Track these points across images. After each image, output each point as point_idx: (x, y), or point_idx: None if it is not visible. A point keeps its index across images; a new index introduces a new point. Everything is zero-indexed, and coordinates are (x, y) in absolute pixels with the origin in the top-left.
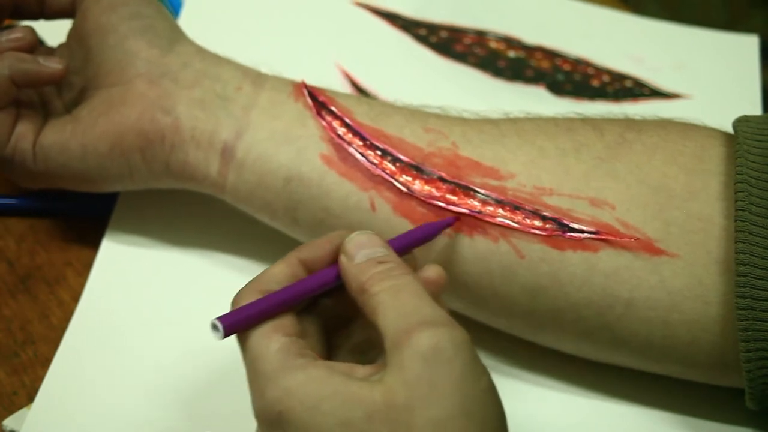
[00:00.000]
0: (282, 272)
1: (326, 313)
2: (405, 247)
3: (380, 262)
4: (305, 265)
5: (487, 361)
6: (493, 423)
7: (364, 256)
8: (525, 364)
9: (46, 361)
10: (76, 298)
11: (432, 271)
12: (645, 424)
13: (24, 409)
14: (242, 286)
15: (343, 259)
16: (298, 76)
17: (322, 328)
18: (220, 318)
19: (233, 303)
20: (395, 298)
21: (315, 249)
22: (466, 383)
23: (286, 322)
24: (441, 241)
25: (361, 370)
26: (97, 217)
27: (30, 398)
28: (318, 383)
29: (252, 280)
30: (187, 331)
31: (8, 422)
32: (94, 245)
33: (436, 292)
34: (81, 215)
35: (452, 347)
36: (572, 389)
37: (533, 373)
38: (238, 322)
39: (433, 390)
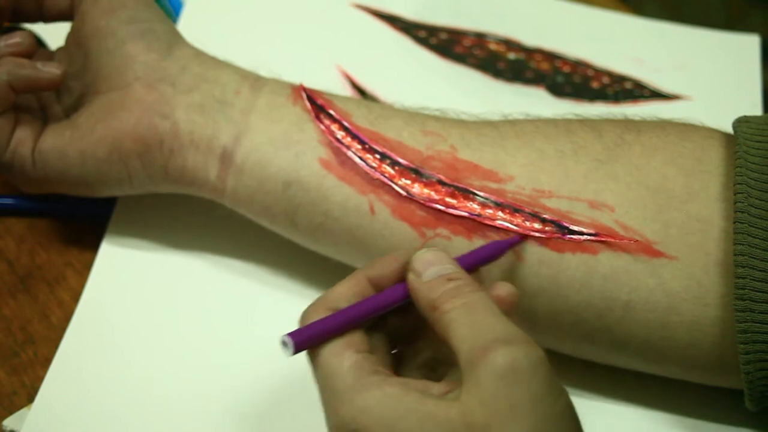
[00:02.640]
0: (350, 290)
1: (393, 330)
2: (471, 265)
3: (450, 279)
4: (372, 282)
5: None
6: (571, 425)
7: (433, 274)
8: None
9: (46, 361)
10: (76, 298)
11: (503, 289)
12: (644, 425)
13: (24, 409)
14: (309, 303)
15: (411, 276)
16: (298, 78)
17: (389, 344)
18: (290, 334)
19: (301, 320)
20: (468, 316)
21: (382, 267)
22: (543, 403)
23: (357, 338)
24: (440, 243)
25: (437, 387)
26: (96, 218)
27: (30, 398)
28: (394, 401)
29: (319, 297)
30: (186, 331)
31: (8, 422)
32: (94, 245)
33: (507, 310)
34: (81, 216)
35: (529, 365)
36: (571, 390)
37: None
38: (308, 339)
39: (511, 409)
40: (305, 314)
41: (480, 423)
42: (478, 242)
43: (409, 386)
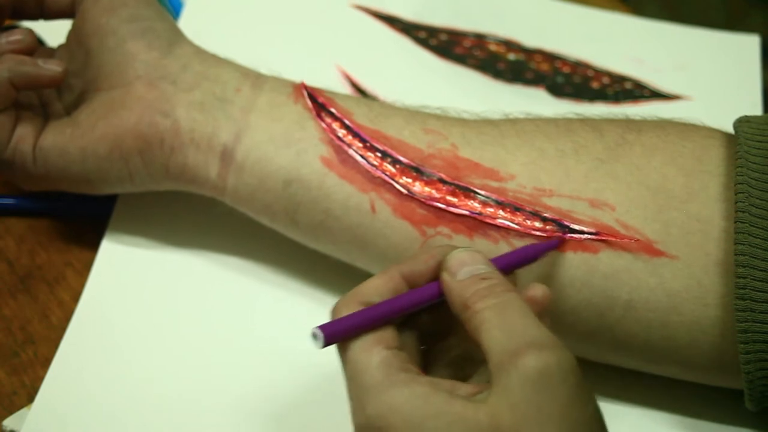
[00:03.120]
0: (383, 285)
1: (423, 327)
2: (507, 266)
3: (483, 279)
4: (406, 279)
5: None
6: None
7: (466, 273)
8: None
9: (46, 361)
10: (76, 298)
11: (537, 290)
12: (644, 425)
13: (24, 409)
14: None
15: (445, 275)
16: (298, 78)
17: (419, 341)
18: (320, 327)
19: (332, 313)
20: (500, 317)
21: (416, 264)
22: (573, 409)
23: (387, 335)
24: (441, 241)
25: (464, 388)
26: (96, 217)
27: (30, 398)
28: (422, 400)
29: (352, 291)
30: (186, 331)
31: (8, 422)
32: (94, 245)
33: (540, 312)
34: (81, 215)
35: (560, 371)
36: None
37: None
38: (339, 332)
39: (540, 415)
40: (336, 307)
41: (508, 427)
42: (479, 241)
43: (438, 386)
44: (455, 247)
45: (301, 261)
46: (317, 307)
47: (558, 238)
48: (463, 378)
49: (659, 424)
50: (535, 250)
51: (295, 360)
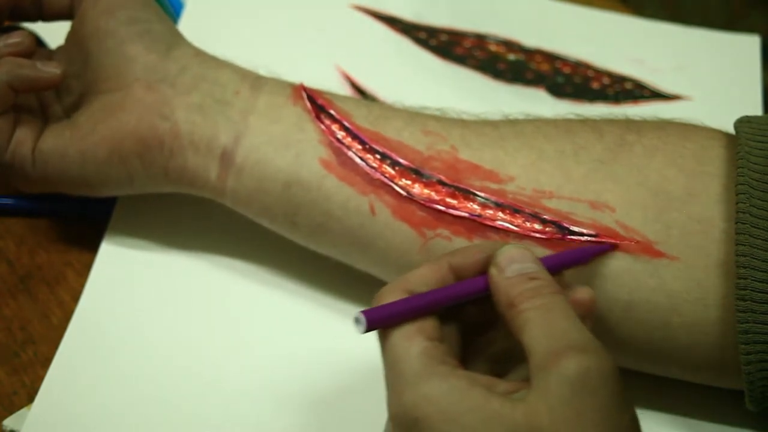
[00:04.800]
0: (431, 274)
1: (466, 319)
2: (556, 266)
3: (531, 278)
4: (454, 270)
5: None
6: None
7: (515, 270)
8: None
9: (46, 361)
10: (76, 298)
11: (583, 293)
12: (644, 425)
13: (24, 409)
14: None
15: (493, 270)
16: (298, 79)
17: (460, 334)
18: (364, 312)
19: (376, 299)
20: (544, 318)
21: (466, 256)
22: (611, 415)
23: (429, 325)
24: (440, 244)
25: (503, 385)
26: (96, 218)
27: (30, 398)
28: (459, 394)
29: (399, 278)
30: (186, 331)
31: (8, 422)
32: (94, 246)
33: (585, 315)
34: (81, 215)
35: (600, 376)
36: None
37: None
38: (381, 319)
39: (578, 418)
40: (381, 294)
41: (545, 428)
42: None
43: (476, 381)
44: (506, 243)
45: (300, 262)
46: (317, 308)
47: (610, 243)
48: (501, 374)
49: (659, 424)
50: (585, 253)
51: (296, 361)
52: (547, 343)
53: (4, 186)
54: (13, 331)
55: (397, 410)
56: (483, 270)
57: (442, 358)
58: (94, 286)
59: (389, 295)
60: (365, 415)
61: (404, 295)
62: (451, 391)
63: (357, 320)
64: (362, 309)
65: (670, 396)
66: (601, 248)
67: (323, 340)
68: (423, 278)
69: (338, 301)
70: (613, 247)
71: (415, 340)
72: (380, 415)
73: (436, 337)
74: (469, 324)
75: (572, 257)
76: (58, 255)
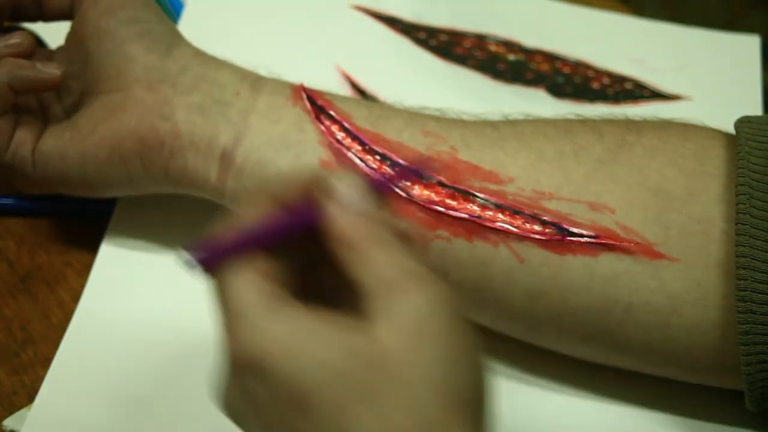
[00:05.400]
0: (254, 213)
1: (294, 256)
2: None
3: (365, 215)
4: (276, 201)
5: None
6: (477, 373)
7: (352, 204)
8: (524, 365)
9: (46, 361)
10: (76, 298)
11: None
12: (644, 426)
13: (24, 409)
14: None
15: (324, 201)
16: (298, 79)
17: (291, 271)
18: (190, 247)
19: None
20: (384, 253)
21: (287, 188)
22: (455, 335)
23: (263, 263)
24: (440, 245)
25: (344, 318)
26: (96, 218)
27: (30, 398)
28: (307, 333)
29: (221, 220)
30: (186, 331)
31: (8, 422)
32: (94, 245)
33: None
34: (81, 215)
35: (443, 302)
36: (571, 390)
37: (532, 375)
38: (212, 257)
39: (424, 340)
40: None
41: (398, 352)
42: (478, 244)
43: (323, 317)
44: (334, 175)
45: None
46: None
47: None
48: (338, 310)
49: (659, 425)
50: (390, 180)
51: None
52: (388, 272)
53: (4, 186)
54: (13, 331)
55: (236, 352)
56: (307, 201)
57: (282, 296)
58: (94, 286)
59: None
60: None
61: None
62: (299, 330)
63: (185, 259)
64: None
65: (670, 396)
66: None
67: None
68: (246, 216)
69: None
70: (419, 169)
71: (252, 279)
72: None
73: (272, 276)
74: (300, 261)
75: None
76: (58, 255)
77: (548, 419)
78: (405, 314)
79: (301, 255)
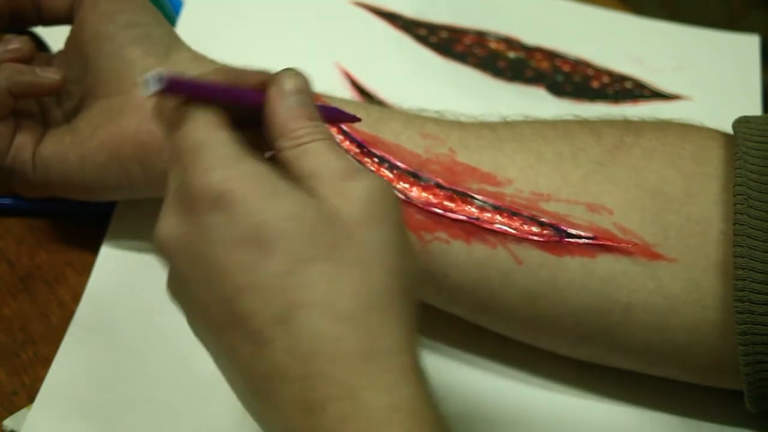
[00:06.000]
0: (216, 75)
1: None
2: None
3: (311, 119)
4: (235, 83)
5: (485, 362)
6: (414, 266)
7: (299, 101)
8: (524, 365)
9: (46, 361)
10: (76, 298)
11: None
12: (644, 426)
13: (24, 409)
14: None
15: (275, 91)
16: None
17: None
18: (163, 70)
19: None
20: (331, 150)
21: (246, 74)
22: (401, 225)
23: (226, 119)
24: (438, 247)
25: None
26: (97, 218)
27: (30, 398)
28: (271, 177)
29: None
30: (187, 331)
31: (8, 422)
32: (95, 245)
33: None
34: (81, 216)
35: (391, 194)
36: (570, 390)
37: (532, 375)
38: (180, 86)
39: (380, 220)
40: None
41: (352, 220)
42: (477, 245)
43: (286, 178)
44: (287, 70)
45: None
46: None
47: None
48: None
49: (659, 425)
50: (339, 113)
51: None
52: (335, 165)
53: (4, 187)
54: (13, 331)
55: (200, 185)
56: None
57: (252, 152)
58: (94, 286)
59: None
60: None
61: None
62: (264, 172)
63: (156, 77)
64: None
65: (670, 396)
66: (349, 117)
67: None
68: (210, 78)
69: None
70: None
71: (222, 129)
72: None
73: (237, 136)
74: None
75: (335, 116)
76: (58, 255)
77: (548, 420)
78: (358, 194)
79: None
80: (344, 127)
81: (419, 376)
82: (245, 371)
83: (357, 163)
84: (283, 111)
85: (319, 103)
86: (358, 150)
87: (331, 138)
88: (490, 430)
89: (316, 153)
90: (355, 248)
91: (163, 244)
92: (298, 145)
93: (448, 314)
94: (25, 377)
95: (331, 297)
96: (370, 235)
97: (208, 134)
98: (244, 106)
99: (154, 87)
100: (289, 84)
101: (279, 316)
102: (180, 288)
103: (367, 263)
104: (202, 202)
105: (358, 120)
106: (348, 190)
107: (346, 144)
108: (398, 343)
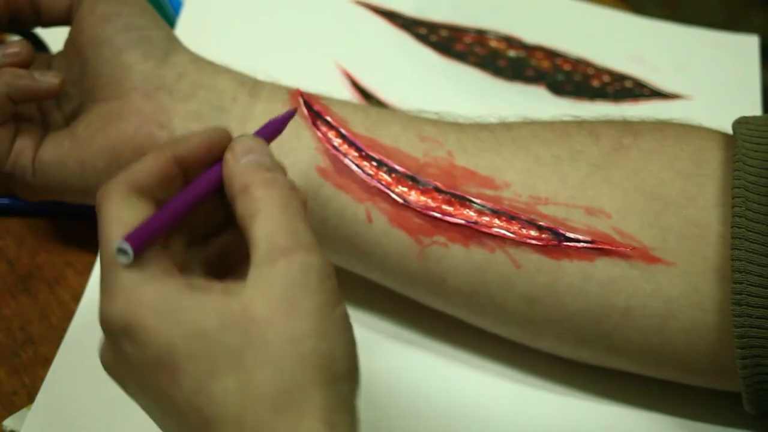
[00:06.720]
0: (155, 166)
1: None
2: (270, 136)
3: (268, 170)
4: (177, 161)
5: (485, 363)
6: (344, 345)
7: (252, 160)
8: (523, 366)
9: (46, 361)
10: (76, 298)
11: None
12: (643, 427)
13: (24, 409)
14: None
15: (229, 156)
16: (298, 76)
17: (184, 240)
18: (127, 239)
19: (101, 197)
20: (279, 212)
21: (189, 145)
22: (325, 308)
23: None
24: (437, 251)
25: (220, 285)
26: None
27: (30, 398)
28: (174, 295)
29: (120, 174)
30: None
31: (8, 422)
32: (94, 246)
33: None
34: (81, 216)
35: (319, 274)
36: (569, 392)
37: (531, 376)
38: (146, 239)
39: (294, 310)
40: (106, 192)
41: (261, 318)
42: (475, 249)
43: (192, 283)
44: (230, 132)
45: None
46: None
47: (293, 109)
48: (219, 277)
49: (658, 426)
50: (279, 122)
51: None
52: (277, 236)
53: (4, 187)
54: (13, 331)
55: (107, 316)
56: (207, 161)
57: (162, 265)
58: (94, 286)
59: (115, 194)
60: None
61: (132, 193)
62: (165, 292)
63: (122, 251)
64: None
65: (669, 398)
66: (287, 114)
67: None
68: (148, 171)
69: None
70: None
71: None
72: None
73: (160, 243)
74: (190, 231)
75: (273, 130)
76: (58, 255)
77: (547, 421)
78: (280, 279)
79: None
80: (342, 130)
81: None
82: None
83: (303, 233)
84: (239, 169)
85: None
86: (356, 153)
87: (286, 193)
88: (489, 430)
89: (263, 216)
90: (264, 349)
91: (103, 366)
92: (253, 201)
93: (448, 315)
94: (25, 377)
95: (238, 409)
96: (281, 330)
97: (112, 255)
98: (213, 188)
99: (127, 257)
100: (241, 146)
101: None
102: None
103: (278, 362)
104: (114, 333)
105: (293, 113)
106: (271, 274)
107: (345, 147)
108: None
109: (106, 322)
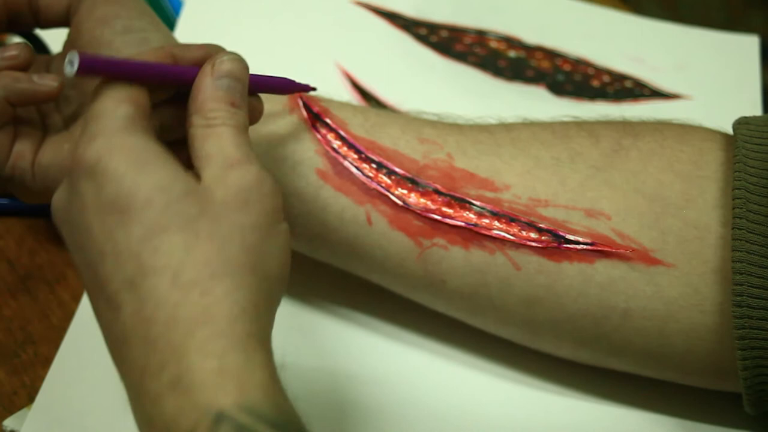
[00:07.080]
0: (151, 55)
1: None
2: (256, 87)
3: (234, 105)
4: (174, 59)
5: (485, 364)
6: (282, 253)
7: (225, 85)
8: (523, 367)
9: (46, 361)
10: (76, 298)
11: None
12: (643, 427)
13: (24, 409)
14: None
15: (207, 69)
16: (298, 77)
17: (158, 124)
18: (80, 53)
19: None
20: (234, 137)
21: (189, 49)
22: (273, 216)
23: (141, 97)
24: (437, 253)
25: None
26: None
27: (30, 398)
28: (151, 153)
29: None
30: None
31: (8, 422)
32: None
33: None
34: None
35: (272, 189)
36: (570, 392)
37: (531, 377)
38: (96, 65)
39: (247, 207)
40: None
41: (219, 201)
42: (475, 251)
43: (168, 153)
44: (229, 52)
45: (300, 267)
46: (317, 311)
47: (306, 86)
48: None
49: (658, 427)
50: (287, 85)
51: (297, 366)
52: (233, 150)
53: (3, 190)
54: (13, 331)
55: (81, 156)
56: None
57: (147, 128)
58: None
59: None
60: (359, 416)
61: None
62: (144, 148)
63: (70, 62)
64: None
65: (669, 398)
66: (303, 87)
67: (323, 342)
68: (142, 55)
69: (338, 305)
70: (308, 90)
71: (124, 103)
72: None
73: (144, 111)
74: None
75: (274, 84)
76: (58, 255)
77: (547, 421)
78: (235, 181)
79: (166, 115)
80: (342, 132)
81: (256, 347)
82: (107, 335)
83: (252, 155)
84: (208, 90)
85: (267, 76)
86: (356, 156)
87: (243, 125)
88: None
89: (219, 137)
90: (216, 223)
91: (53, 212)
92: (207, 126)
93: (448, 317)
94: (25, 377)
95: (178, 264)
96: (234, 216)
97: (103, 106)
98: (181, 82)
99: (73, 68)
100: (223, 66)
101: (129, 280)
102: (71, 255)
103: (225, 237)
104: (80, 171)
105: (313, 89)
106: (228, 176)
107: (344, 149)
108: (241, 313)
109: (75, 161)
